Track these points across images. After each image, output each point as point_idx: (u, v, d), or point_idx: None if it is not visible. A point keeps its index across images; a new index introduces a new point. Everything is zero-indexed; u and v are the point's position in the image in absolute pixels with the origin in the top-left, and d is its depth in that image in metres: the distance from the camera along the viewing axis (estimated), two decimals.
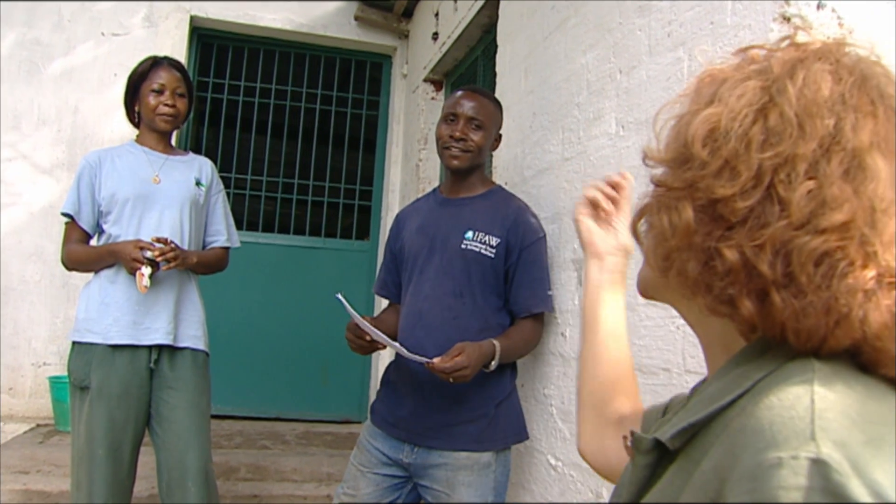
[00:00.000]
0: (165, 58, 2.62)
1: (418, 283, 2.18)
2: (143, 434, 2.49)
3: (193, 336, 2.54)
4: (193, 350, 2.53)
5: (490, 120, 2.20)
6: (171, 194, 2.53)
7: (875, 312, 0.55)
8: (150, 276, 2.33)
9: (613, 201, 1.06)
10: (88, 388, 2.38)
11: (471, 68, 4.01)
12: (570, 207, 2.24)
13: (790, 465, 0.47)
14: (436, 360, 1.86)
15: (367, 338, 1.98)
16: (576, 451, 2.07)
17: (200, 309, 2.60)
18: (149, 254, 2.33)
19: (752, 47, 0.69)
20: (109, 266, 2.46)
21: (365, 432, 2.21)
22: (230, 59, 4.96)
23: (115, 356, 2.40)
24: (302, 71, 5.05)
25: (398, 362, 2.19)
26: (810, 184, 0.57)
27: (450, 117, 2.19)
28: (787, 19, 1.42)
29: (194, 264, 2.51)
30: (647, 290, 0.76)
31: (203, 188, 2.63)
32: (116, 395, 2.38)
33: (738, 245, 0.59)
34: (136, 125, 2.64)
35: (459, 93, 2.23)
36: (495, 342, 2.00)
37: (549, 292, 2.16)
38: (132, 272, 2.36)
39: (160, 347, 2.46)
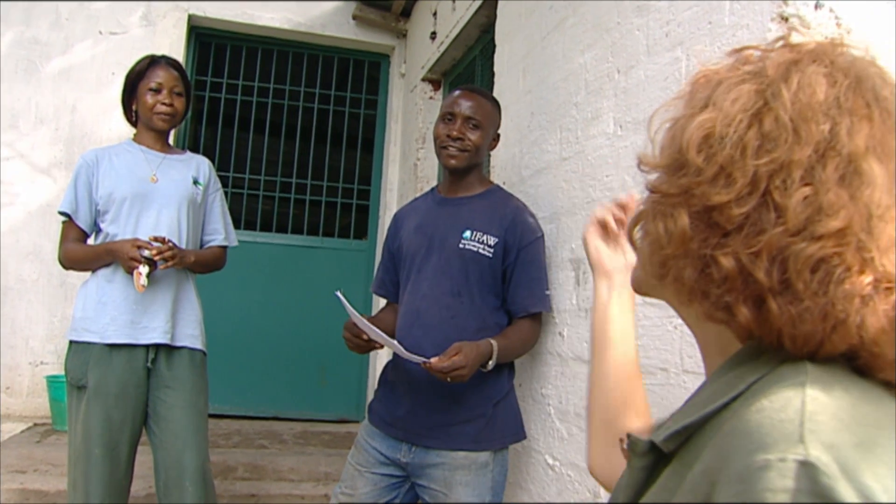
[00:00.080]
0: (163, 57, 2.61)
1: (416, 282, 2.18)
2: (141, 433, 2.49)
3: (191, 335, 2.53)
4: (191, 349, 2.53)
5: (488, 119, 2.20)
6: (169, 193, 2.52)
7: (872, 318, 0.55)
8: (148, 275, 2.33)
9: (620, 222, 1.08)
10: (85, 388, 2.38)
11: (469, 68, 4.01)
12: (568, 207, 2.25)
13: (777, 468, 0.47)
14: (433, 359, 1.86)
15: (365, 337, 1.98)
16: (573, 451, 2.07)
17: (198, 308, 2.60)
18: (146, 253, 2.32)
19: (747, 48, 0.68)
20: (107, 265, 2.45)
21: (363, 432, 2.21)
22: (228, 58, 4.96)
23: (113, 355, 2.40)
24: (300, 70, 5.04)
25: (396, 362, 2.19)
26: (806, 190, 0.57)
27: (447, 117, 2.19)
28: (784, 19, 1.42)
29: (192, 263, 2.51)
30: (642, 288, 0.76)
31: (201, 187, 2.63)
32: (114, 395, 2.38)
33: (735, 252, 0.59)
34: (134, 124, 2.64)
35: (457, 92, 2.23)
36: (493, 342, 2.00)
37: (547, 292, 2.16)
38: (129, 271, 2.36)
39: (157, 347, 2.46)
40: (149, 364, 2.45)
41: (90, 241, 2.56)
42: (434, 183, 4.24)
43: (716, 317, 0.62)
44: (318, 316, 4.71)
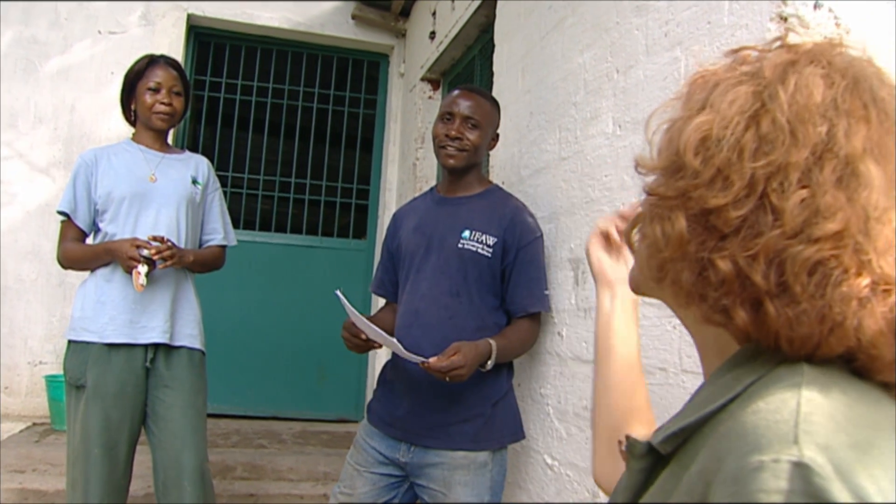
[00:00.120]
0: (162, 56, 2.61)
1: (415, 282, 2.18)
2: (139, 433, 2.49)
3: (190, 335, 2.53)
4: (190, 349, 2.52)
5: (486, 119, 2.20)
6: (168, 192, 2.52)
7: (870, 320, 0.55)
8: (147, 275, 2.33)
9: (623, 233, 1.07)
10: (84, 387, 2.37)
11: (468, 68, 4.01)
12: (566, 207, 2.25)
13: (771, 469, 0.47)
14: (432, 359, 1.86)
15: (363, 336, 1.98)
16: (572, 451, 2.08)
17: (197, 307, 2.60)
18: (145, 252, 2.32)
19: (745, 48, 0.68)
20: (105, 264, 2.45)
21: (361, 431, 2.21)
22: (227, 57, 4.96)
23: (112, 355, 2.40)
24: (299, 70, 5.04)
25: (395, 362, 2.18)
26: (803, 192, 0.56)
27: (446, 116, 2.19)
28: (783, 19, 1.42)
29: (191, 263, 2.51)
30: (640, 289, 0.76)
31: (199, 186, 2.63)
32: (112, 394, 2.38)
33: (732, 255, 0.59)
34: (133, 123, 2.64)
35: (456, 92, 2.23)
36: (492, 342, 1.99)
37: (546, 292, 2.16)
38: (128, 271, 2.35)
39: (156, 346, 2.46)
40: (147, 364, 2.44)
41: (89, 240, 2.56)
42: (433, 183, 4.24)
43: (713, 319, 0.62)
44: (317, 316, 4.71)
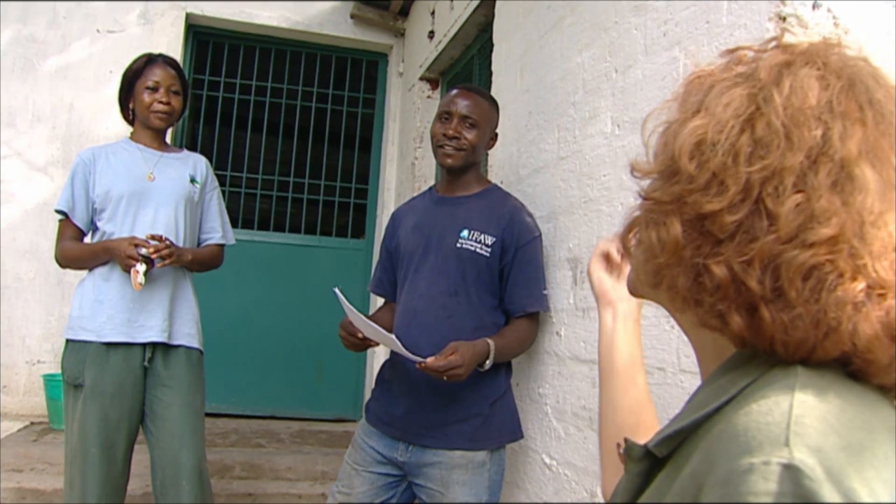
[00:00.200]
0: (160, 55, 2.61)
1: (413, 281, 2.17)
2: (137, 432, 2.48)
3: (188, 334, 2.53)
4: (188, 348, 2.52)
5: (484, 118, 2.19)
6: (166, 191, 2.52)
7: (865, 324, 0.55)
8: (145, 274, 2.33)
9: (623, 254, 1.10)
10: (82, 386, 2.37)
11: (467, 67, 4.01)
12: (565, 206, 2.24)
13: (761, 471, 0.47)
14: (429, 359, 1.86)
15: (360, 335, 1.98)
16: (570, 450, 2.08)
17: (195, 306, 2.60)
18: (143, 251, 2.32)
19: (740, 48, 0.68)
20: (103, 263, 2.45)
21: (360, 431, 2.21)
22: (226, 56, 4.95)
23: (110, 354, 2.40)
24: (298, 69, 5.04)
25: (394, 361, 2.18)
26: (798, 197, 0.56)
27: (444, 116, 2.18)
28: (782, 19, 1.42)
29: (189, 261, 2.51)
30: (637, 292, 0.76)
31: (198, 185, 2.63)
32: (110, 394, 2.37)
33: (727, 261, 0.59)
34: (131, 123, 2.64)
35: (454, 91, 2.23)
36: (490, 341, 1.99)
37: (545, 291, 2.16)
38: (127, 269, 2.35)
39: (154, 345, 2.45)
40: (146, 363, 2.44)
41: (87, 239, 2.56)
42: (432, 182, 4.24)
43: (709, 324, 0.62)
44: (316, 315, 4.70)
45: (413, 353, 1.91)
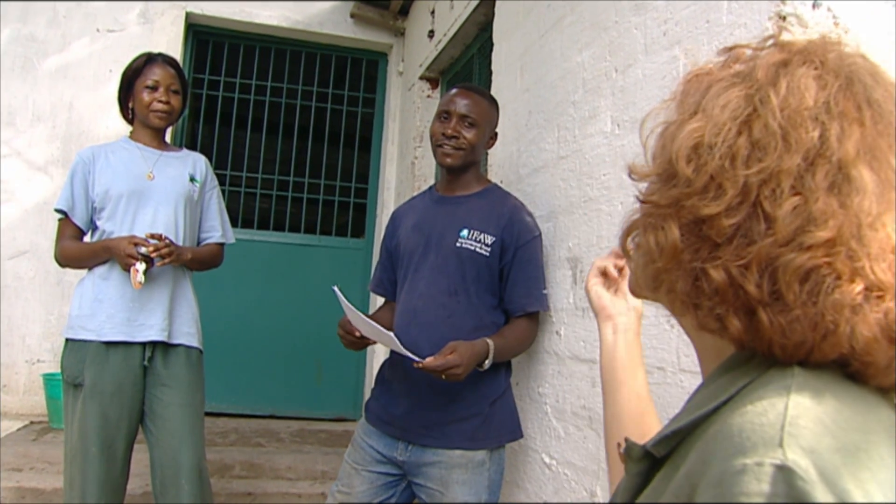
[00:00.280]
0: (160, 54, 2.61)
1: (413, 280, 2.17)
2: (137, 431, 2.48)
3: (188, 333, 2.53)
4: (187, 347, 2.52)
5: (484, 118, 2.19)
6: (166, 190, 2.52)
7: (862, 326, 0.55)
8: (145, 273, 2.33)
9: (620, 269, 1.11)
10: (82, 386, 2.37)
11: (467, 66, 4.00)
12: (565, 206, 2.24)
13: (753, 472, 0.47)
14: (428, 359, 1.86)
15: (357, 333, 1.98)
16: (570, 450, 2.08)
17: (195, 305, 2.59)
18: (143, 249, 2.32)
19: (738, 46, 0.68)
20: (103, 262, 2.45)
21: (359, 430, 2.21)
22: (226, 55, 4.95)
23: (109, 353, 2.40)
24: (298, 68, 5.03)
25: (393, 360, 2.18)
26: (795, 200, 0.56)
27: (443, 115, 2.18)
28: (782, 18, 1.41)
29: (189, 260, 2.51)
30: (637, 293, 0.76)
31: (197, 184, 2.62)
32: (110, 393, 2.37)
33: (725, 265, 0.59)
34: (131, 122, 2.64)
35: (453, 90, 2.23)
36: (489, 341, 1.99)
37: (544, 291, 2.16)
38: (126, 268, 2.35)
39: (154, 344, 2.45)
40: (145, 362, 2.44)
41: (87, 238, 2.56)
42: (431, 181, 4.24)
43: (708, 327, 0.62)
44: (316, 314, 4.70)
45: (412, 352, 1.91)
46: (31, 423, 4.15)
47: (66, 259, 2.51)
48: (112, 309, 2.41)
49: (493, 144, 2.34)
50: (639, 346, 1.08)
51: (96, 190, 2.48)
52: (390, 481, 2.12)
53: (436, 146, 2.19)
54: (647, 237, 0.66)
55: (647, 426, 1.02)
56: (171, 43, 4.57)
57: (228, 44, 4.96)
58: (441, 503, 2.01)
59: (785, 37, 0.66)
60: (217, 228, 2.70)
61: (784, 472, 0.46)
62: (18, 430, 3.98)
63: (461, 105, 2.16)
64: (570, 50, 2.31)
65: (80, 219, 2.50)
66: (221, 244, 2.72)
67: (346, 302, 1.93)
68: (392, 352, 2.09)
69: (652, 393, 1.65)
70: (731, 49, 0.68)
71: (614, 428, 1.04)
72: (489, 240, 2.11)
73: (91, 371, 2.37)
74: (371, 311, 3.06)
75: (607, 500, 0.75)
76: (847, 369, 0.57)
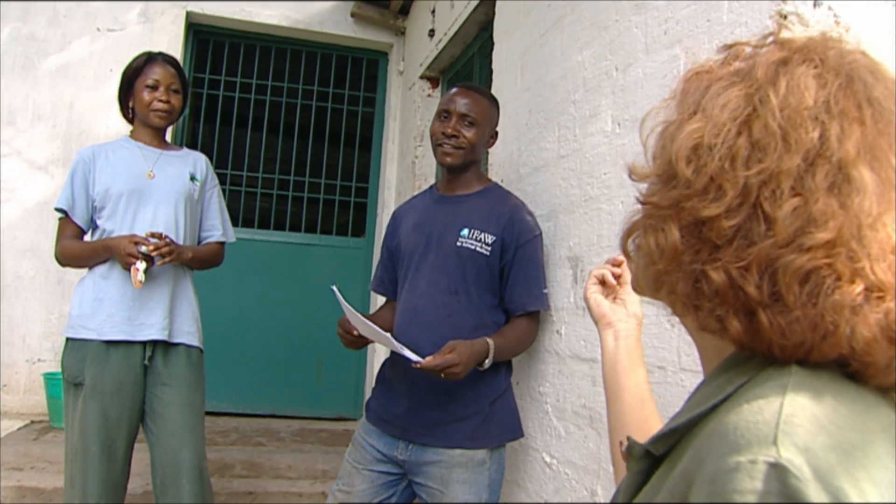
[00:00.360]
0: (160, 54, 2.61)
1: (414, 280, 2.17)
2: (137, 431, 2.48)
3: (188, 332, 2.53)
4: (188, 346, 2.52)
5: (484, 117, 2.19)
6: (166, 189, 2.52)
7: (862, 327, 0.55)
8: (145, 272, 2.33)
9: (617, 277, 1.12)
10: (82, 385, 2.37)
11: (467, 65, 4.00)
12: (565, 205, 2.24)
13: (747, 469, 0.47)
14: (426, 358, 1.86)
15: (355, 332, 1.98)
16: (570, 449, 2.07)
17: (195, 305, 2.59)
18: (143, 248, 2.32)
19: (738, 43, 0.68)
20: (103, 262, 2.45)
21: (360, 429, 2.21)
22: (226, 55, 4.95)
23: (110, 352, 2.40)
24: (298, 67, 5.03)
25: (393, 360, 2.18)
26: (795, 201, 0.56)
27: (443, 114, 2.18)
28: (783, 17, 1.41)
29: (189, 259, 2.51)
30: (641, 293, 0.76)
31: (198, 183, 2.62)
32: (110, 392, 2.37)
33: (725, 266, 0.58)
34: (131, 121, 2.64)
35: (453, 90, 2.23)
36: (489, 340, 1.99)
37: (545, 290, 2.16)
38: (127, 267, 2.35)
39: (154, 343, 2.45)
40: (146, 361, 2.44)
41: (87, 237, 2.55)
42: (432, 181, 4.24)
43: (709, 328, 0.62)
44: (316, 313, 4.70)
45: (411, 352, 1.91)
46: (32, 422, 4.15)
47: (66, 258, 2.51)
48: (112, 308, 2.41)
49: (493, 143, 2.34)
50: (640, 351, 1.09)
51: (96, 189, 2.48)
52: (391, 480, 2.12)
53: (436, 145, 2.19)
54: (647, 239, 0.66)
55: (650, 428, 1.02)
56: (172, 42, 4.57)
57: (229, 43, 4.96)
58: (441, 502, 2.01)
59: (784, 34, 0.66)
60: (217, 227, 2.70)
61: (777, 470, 0.46)
62: (19, 429, 3.99)
63: (461, 104, 2.16)
64: (570, 49, 2.31)
65: (80, 218, 2.50)
66: (222, 243, 2.72)
67: (344, 302, 1.94)
68: (392, 351, 2.09)
69: (653, 392, 1.65)
70: (730, 46, 0.67)
71: (618, 431, 1.04)
72: (490, 239, 2.11)
73: (91, 370, 2.37)
74: (372, 310, 3.06)
75: (608, 500, 0.75)
76: (846, 369, 0.57)
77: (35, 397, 4.25)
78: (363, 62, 5.20)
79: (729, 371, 0.62)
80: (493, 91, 2.89)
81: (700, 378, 0.71)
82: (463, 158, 2.16)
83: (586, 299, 1.13)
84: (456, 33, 3.80)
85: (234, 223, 2.92)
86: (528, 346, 2.24)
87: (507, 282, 2.13)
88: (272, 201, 5.09)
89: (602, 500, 1.89)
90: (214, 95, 4.92)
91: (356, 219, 5.16)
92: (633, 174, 0.69)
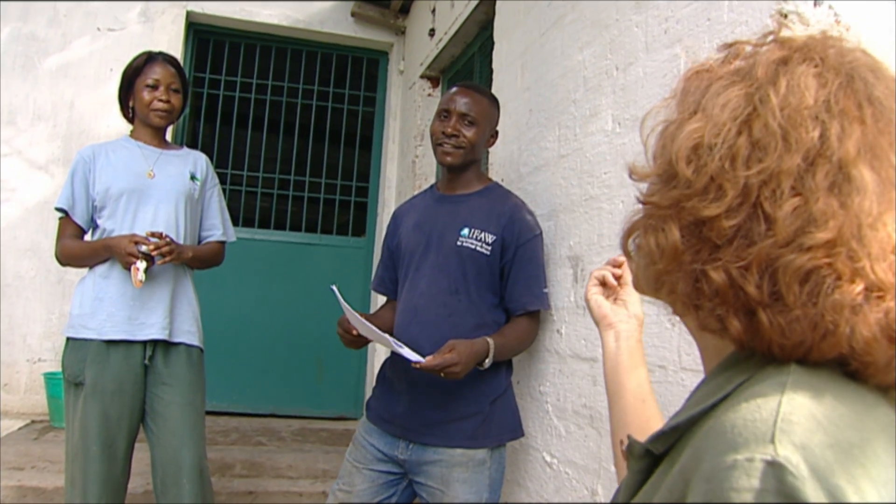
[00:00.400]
0: (160, 53, 2.61)
1: (414, 279, 2.17)
2: (138, 430, 2.48)
3: (188, 332, 2.53)
4: (188, 346, 2.52)
5: (484, 116, 2.19)
6: (166, 189, 2.52)
7: (862, 326, 0.55)
8: (146, 271, 2.32)
9: (618, 278, 1.12)
10: (83, 385, 2.37)
11: (467, 65, 4.00)
12: (566, 204, 2.24)
13: (744, 467, 0.47)
14: (426, 358, 1.86)
15: (355, 332, 1.98)
16: (571, 448, 2.07)
17: (195, 304, 2.59)
18: (144, 248, 2.32)
19: (738, 42, 0.67)
20: (104, 261, 2.45)
21: (360, 429, 2.21)
22: (227, 54, 4.95)
23: (110, 352, 2.39)
24: (298, 67, 5.04)
25: (394, 359, 2.18)
26: (795, 200, 0.56)
27: (443, 114, 2.18)
28: (784, 16, 1.41)
29: (190, 258, 2.50)
30: (642, 292, 0.76)
31: (198, 182, 2.62)
32: (111, 392, 2.37)
33: (725, 266, 0.58)
34: (131, 121, 2.63)
35: (454, 89, 2.23)
36: (489, 340, 1.99)
37: (545, 290, 2.16)
38: (127, 267, 2.35)
39: (155, 343, 2.45)
40: (146, 361, 2.44)
41: (87, 237, 2.55)
42: (432, 180, 4.24)
43: (709, 327, 0.62)
44: (316, 313, 4.70)
45: (411, 351, 1.91)
46: (33, 421, 4.15)
47: (66, 258, 2.51)
48: (113, 308, 2.41)
49: (493, 143, 2.34)
50: (641, 351, 1.09)
51: (97, 188, 2.48)
52: (391, 480, 2.12)
53: (436, 145, 2.18)
54: (647, 238, 0.66)
55: (652, 428, 1.02)
56: (172, 42, 4.57)
57: (229, 42, 4.96)
58: (442, 502, 2.01)
59: (785, 33, 0.66)
60: (218, 227, 2.70)
61: (774, 468, 0.46)
62: (20, 429, 3.99)
63: (461, 103, 2.16)
64: (570, 48, 2.31)
65: (80, 217, 2.50)
66: (222, 242, 2.72)
67: (343, 302, 1.94)
68: (392, 351, 2.09)
69: (654, 391, 1.65)
70: (731, 45, 0.67)
71: (620, 431, 1.04)
72: (490, 238, 2.11)
73: (92, 370, 2.37)
74: (373, 310, 3.06)
75: (608, 499, 0.75)
76: (846, 368, 0.57)
77: (35, 397, 4.25)
78: (363, 62, 5.20)
79: (729, 370, 0.61)
80: (494, 90, 2.89)
81: (701, 377, 0.71)
82: (463, 158, 2.16)
83: (587, 300, 1.13)
84: (456, 33, 3.80)
85: (235, 223, 2.92)
86: (528, 346, 2.24)
87: (508, 281, 2.13)
88: (272, 201, 5.10)
89: (602, 500, 1.89)
90: (215, 95, 4.92)
91: (356, 218, 5.16)
92: (633, 174, 0.69)
